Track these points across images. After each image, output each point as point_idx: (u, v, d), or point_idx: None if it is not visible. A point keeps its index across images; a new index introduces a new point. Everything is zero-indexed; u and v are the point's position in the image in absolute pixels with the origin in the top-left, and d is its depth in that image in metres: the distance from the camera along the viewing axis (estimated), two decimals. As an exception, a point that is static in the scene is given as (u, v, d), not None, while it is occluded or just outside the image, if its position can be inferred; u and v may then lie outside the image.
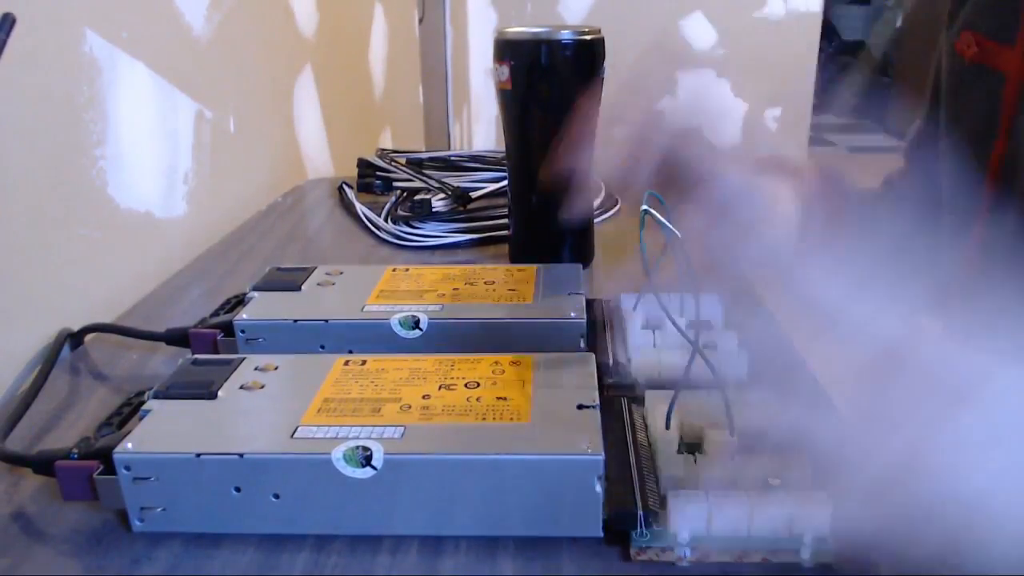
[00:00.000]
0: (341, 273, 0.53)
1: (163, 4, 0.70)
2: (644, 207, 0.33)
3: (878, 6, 4.78)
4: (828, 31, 4.40)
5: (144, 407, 0.36)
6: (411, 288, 0.50)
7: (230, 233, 0.76)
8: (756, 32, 2.77)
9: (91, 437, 0.35)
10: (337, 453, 0.31)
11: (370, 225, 0.75)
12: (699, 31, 2.76)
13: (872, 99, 4.55)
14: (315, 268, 0.54)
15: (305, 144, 1.08)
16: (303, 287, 0.51)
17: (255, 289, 0.50)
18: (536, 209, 0.63)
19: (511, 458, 0.31)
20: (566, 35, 0.57)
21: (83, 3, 0.57)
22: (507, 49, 0.58)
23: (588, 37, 0.58)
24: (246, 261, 0.69)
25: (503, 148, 0.65)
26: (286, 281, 0.51)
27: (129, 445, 0.32)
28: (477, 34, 2.75)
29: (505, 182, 0.66)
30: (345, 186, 0.86)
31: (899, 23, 4.45)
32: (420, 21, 1.97)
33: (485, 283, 0.51)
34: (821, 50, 3.00)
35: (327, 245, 0.76)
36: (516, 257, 0.65)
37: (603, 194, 0.80)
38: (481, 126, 2.72)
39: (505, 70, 0.59)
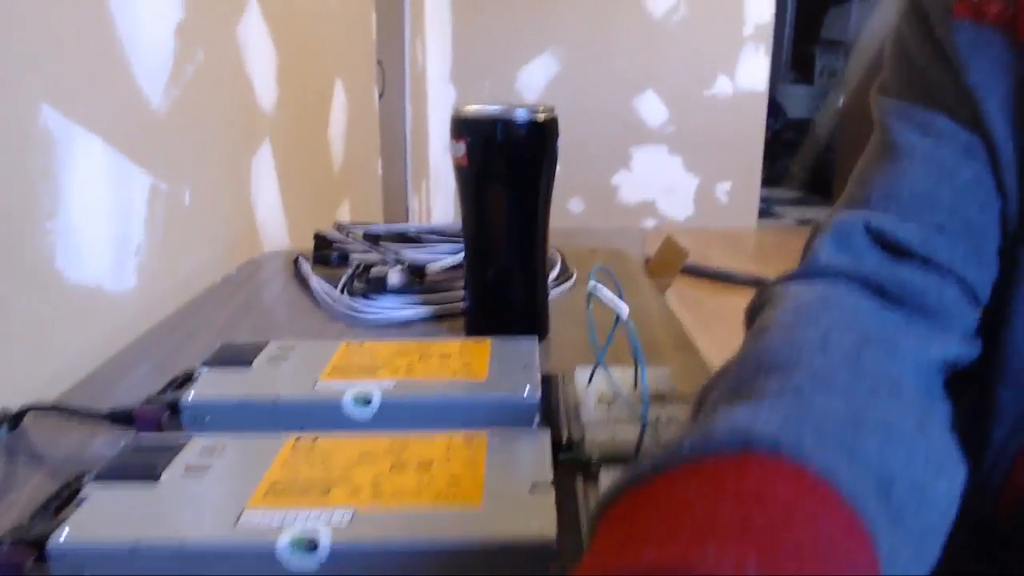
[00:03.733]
0: (294, 348, 0.52)
1: (123, 78, 0.71)
2: (590, 289, 0.34)
3: (822, 85, 5.02)
4: (775, 109, 4.60)
5: (82, 492, 0.34)
6: (365, 363, 0.50)
7: (182, 307, 0.75)
8: (706, 109, 2.88)
9: (25, 524, 0.33)
10: (282, 541, 0.30)
11: (325, 299, 0.75)
12: (651, 109, 2.87)
13: (817, 174, 4.74)
14: (267, 343, 0.53)
15: (262, 217, 1.08)
16: (254, 363, 0.50)
17: (205, 365, 0.50)
18: (492, 282, 0.63)
19: (462, 545, 0.31)
20: (521, 114, 0.59)
21: (41, 77, 0.57)
22: (464, 127, 0.60)
23: (542, 117, 0.60)
24: (197, 336, 0.68)
25: (461, 222, 0.66)
26: (237, 357, 0.51)
27: (65, 532, 0.31)
28: (436, 110, 2.81)
29: (462, 255, 0.67)
30: (301, 259, 0.86)
31: (841, 102, 4.68)
32: (380, 96, 2.01)
33: (440, 357, 0.51)
34: (768, 127, 3.13)
35: (281, 319, 0.75)
36: (472, 330, 0.65)
37: (559, 265, 0.82)
38: (439, 200, 2.75)
39: (462, 147, 0.60)
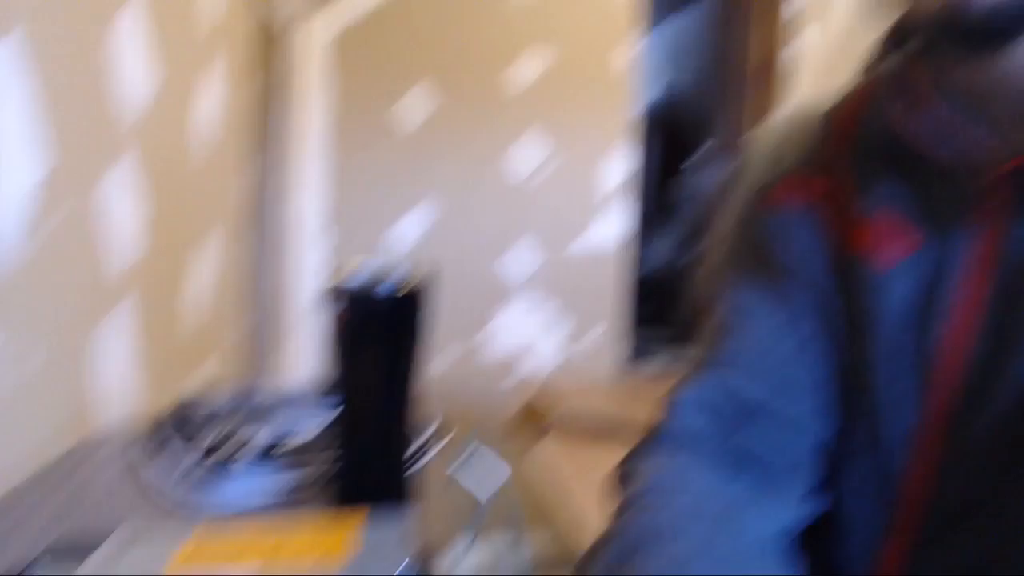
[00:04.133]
0: (141, 535, 0.48)
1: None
2: (465, 453, 0.34)
3: (680, 236, 5.42)
4: (636, 259, 4.90)
5: None
6: (223, 549, 0.46)
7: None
8: (570, 263, 3.02)
9: None
10: None
11: (165, 490, 0.68)
12: (523, 260, 2.98)
13: (677, 319, 5.01)
14: (104, 540, 0.47)
15: (106, 385, 1.00)
16: (89, 561, 0.45)
17: (28, 572, 0.44)
18: (361, 449, 0.61)
19: None
20: (397, 277, 0.59)
21: None
22: (335, 293, 0.59)
23: (416, 284, 0.60)
24: (16, 535, 0.58)
25: (329, 390, 0.64)
26: (69, 556, 0.45)
27: None
28: (310, 261, 2.80)
29: (329, 422, 0.64)
30: (137, 445, 0.78)
31: (699, 250, 5.02)
32: (251, 248, 1.99)
33: (307, 534, 0.47)
34: (635, 275, 3.31)
35: (121, 510, 0.65)
36: (342, 500, 0.62)
37: (434, 426, 0.80)
38: (308, 356, 2.69)
39: (336, 310, 0.59)
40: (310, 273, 2.82)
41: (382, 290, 0.59)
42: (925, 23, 0.42)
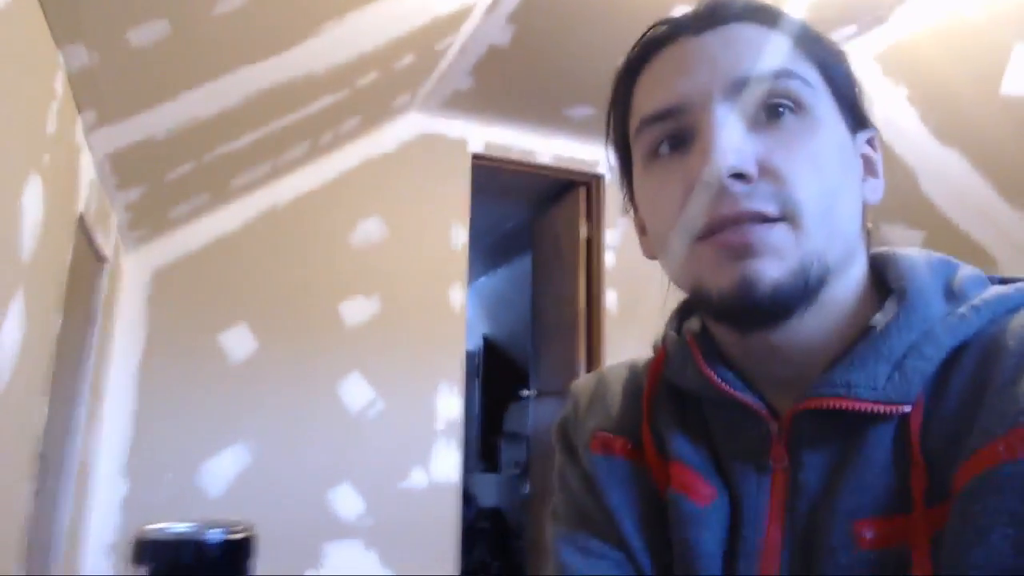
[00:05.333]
0: None
1: None
2: None
3: (508, 475, 5.41)
4: (467, 498, 4.81)
5: None
6: None
7: None
8: (401, 502, 2.92)
9: None
10: None
11: None
12: (347, 502, 2.84)
13: (509, 557, 4.86)
14: None
15: None
16: None
17: None
18: None
19: None
20: (214, 535, 0.55)
21: None
22: (147, 549, 0.54)
23: (238, 536, 0.56)
24: None
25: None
26: None
27: None
28: (100, 505, 2.51)
29: None
30: None
31: (527, 489, 5.05)
32: (37, 493, 1.76)
33: None
34: (462, 516, 3.23)
35: None
36: None
37: None
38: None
39: (143, 572, 0.54)
40: (99, 520, 2.52)
41: (199, 543, 0.54)
42: (717, 298, 0.50)
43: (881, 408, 0.46)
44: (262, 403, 2.80)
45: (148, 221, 2.60)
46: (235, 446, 2.73)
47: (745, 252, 0.47)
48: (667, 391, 0.58)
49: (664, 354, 0.59)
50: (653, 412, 0.58)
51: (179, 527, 0.55)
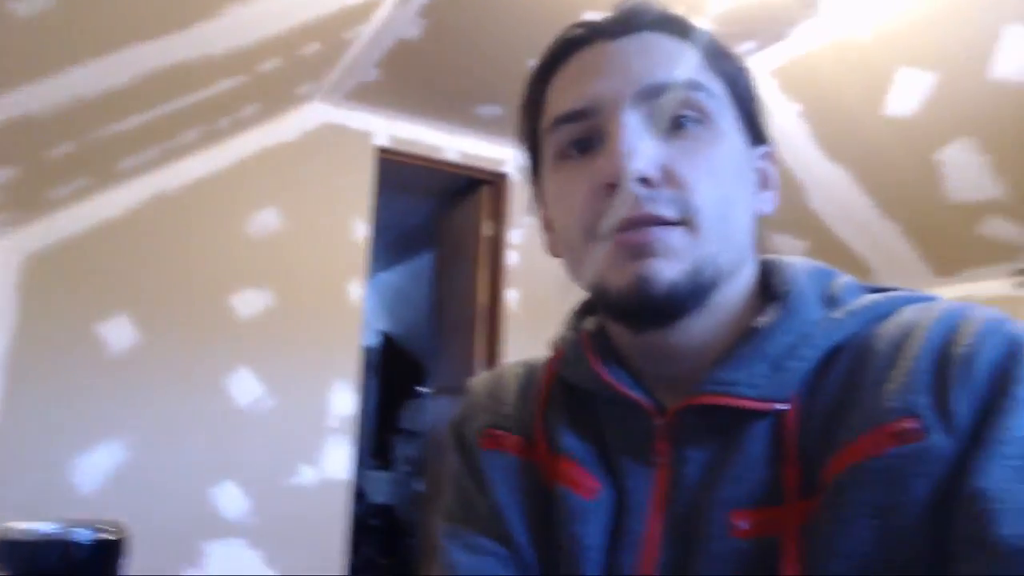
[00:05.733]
0: None
1: None
2: None
3: (400, 472, 5.36)
4: (359, 495, 4.73)
5: None
6: None
7: None
8: (289, 499, 2.84)
9: None
10: None
11: None
12: (230, 499, 2.74)
13: (399, 554, 4.82)
14: None
15: None
16: None
17: None
18: None
19: None
20: (81, 535, 0.52)
21: None
22: (6, 550, 0.50)
23: (108, 536, 0.53)
24: None
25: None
26: None
27: None
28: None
29: None
30: None
31: (420, 487, 5.01)
32: None
33: None
34: (352, 513, 3.17)
35: None
36: None
37: None
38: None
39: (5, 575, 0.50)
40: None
41: (67, 544, 0.51)
42: (616, 296, 0.51)
43: (760, 405, 0.48)
44: (142, 397, 2.67)
45: (21, 203, 2.42)
46: (110, 441, 2.59)
47: (643, 252, 0.49)
48: (562, 389, 0.59)
49: (559, 354, 0.60)
50: (547, 409, 0.58)
51: (44, 527, 0.52)
